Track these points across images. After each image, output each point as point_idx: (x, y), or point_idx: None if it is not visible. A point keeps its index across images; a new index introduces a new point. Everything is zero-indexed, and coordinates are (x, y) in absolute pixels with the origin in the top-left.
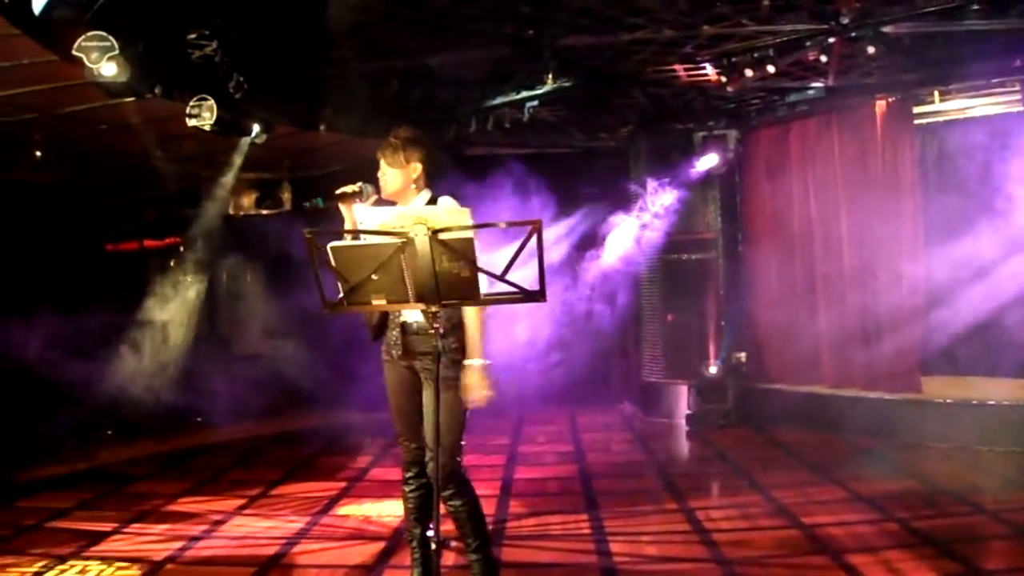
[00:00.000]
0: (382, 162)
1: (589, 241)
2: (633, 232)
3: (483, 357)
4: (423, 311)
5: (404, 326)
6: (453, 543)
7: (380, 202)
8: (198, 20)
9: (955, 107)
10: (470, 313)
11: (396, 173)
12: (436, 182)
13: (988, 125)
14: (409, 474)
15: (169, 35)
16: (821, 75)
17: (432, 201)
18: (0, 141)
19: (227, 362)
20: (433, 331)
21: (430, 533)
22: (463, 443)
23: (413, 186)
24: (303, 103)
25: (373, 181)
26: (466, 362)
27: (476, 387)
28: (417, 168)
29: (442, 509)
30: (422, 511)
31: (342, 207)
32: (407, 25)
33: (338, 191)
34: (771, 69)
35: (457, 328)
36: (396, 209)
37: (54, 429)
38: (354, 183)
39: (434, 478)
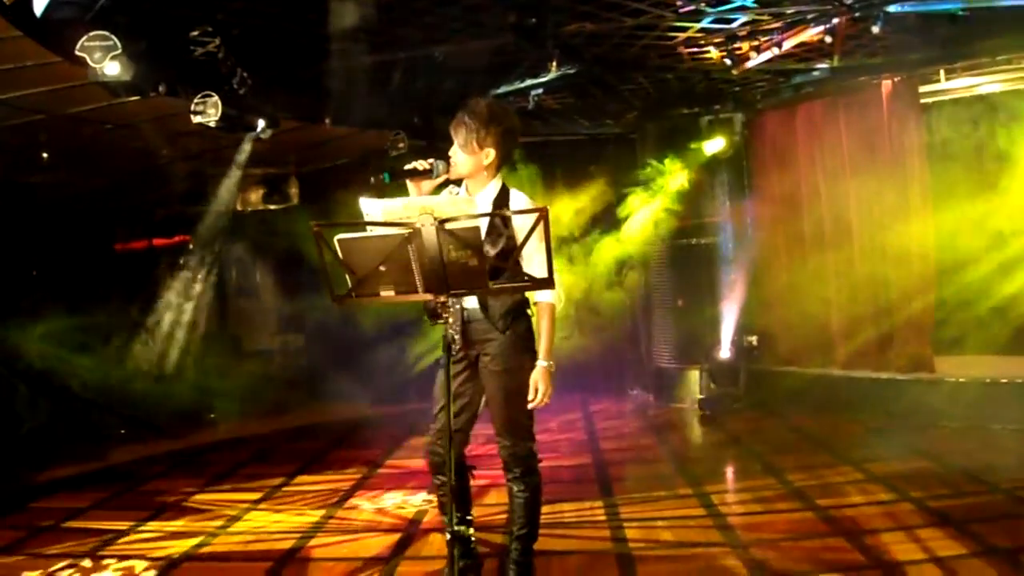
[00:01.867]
0: (455, 141)
1: (596, 228)
2: (641, 218)
3: (550, 358)
4: (479, 301)
5: (463, 314)
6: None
7: (450, 181)
8: (200, 17)
9: (961, 85)
10: (545, 312)
11: (467, 159)
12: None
13: (995, 103)
14: (438, 480)
15: (172, 33)
16: (826, 56)
17: (504, 192)
18: (6, 144)
19: (238, 358)
20: (449, 323)
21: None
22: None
23: (485, 173)
24: (308, 97)
25: (445, 159)
26: (539, 362)
27: (542, 387)
28: (490, 155)
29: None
30: (458, 503)
31: (410, 184)
32: (410, 15)
33: (408, 167)
34: (776, 51)
35: (517, 315)
36: (403, 200)
37: (67, 429)
38: (427, 159)
39: (451, 462)
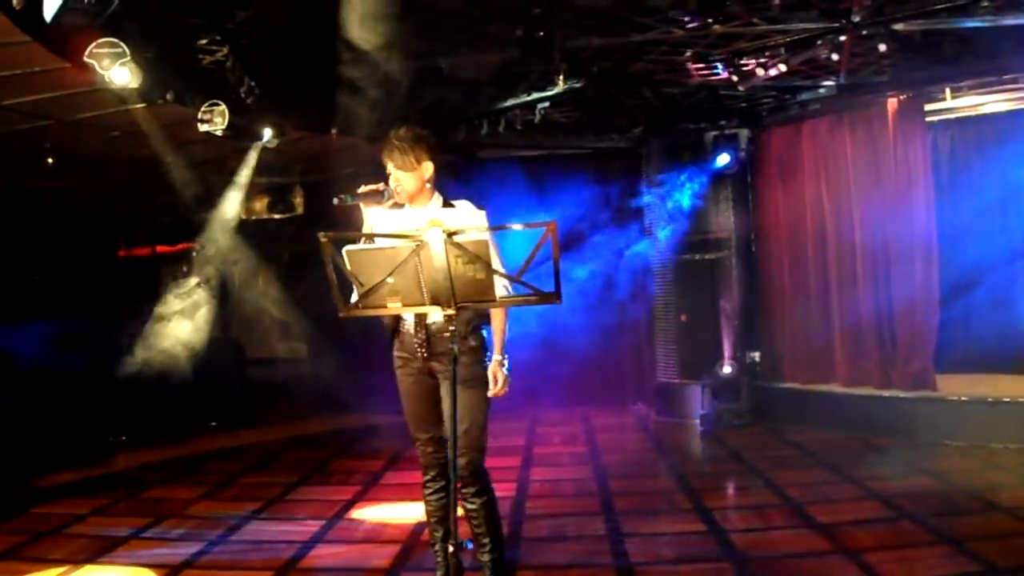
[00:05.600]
0: (390, 166)
1: (601, 242)
2: (645, 233)
3: (502, 353)
4: (445, 313)
5: (428, 327)
6: (471, 545)
7: (396, 206)
8: (209, 26)
9: (967, 104)
10: (496, 313)
11: (409, 176)
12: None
13: (1000, 122)
14: (428, 477)
15: (180, 41)
16: (832, 73)
17: (447, 204)
18: (12, 148)
19: (241, 366)
20: (449, 333)
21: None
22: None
23: (428, 186)
24: (315, 107)
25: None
26: (494, 356)
27: (500, 377)
28: (429, 168)
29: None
30: (443, 514)
31: (362, 206)
32: (418, 28)
33: (360, 190)
34: (782, 68)
35: (478, 328)
36: (411, 212)
37: (68, 435)
38: (376, 183)
39: (453, 478)
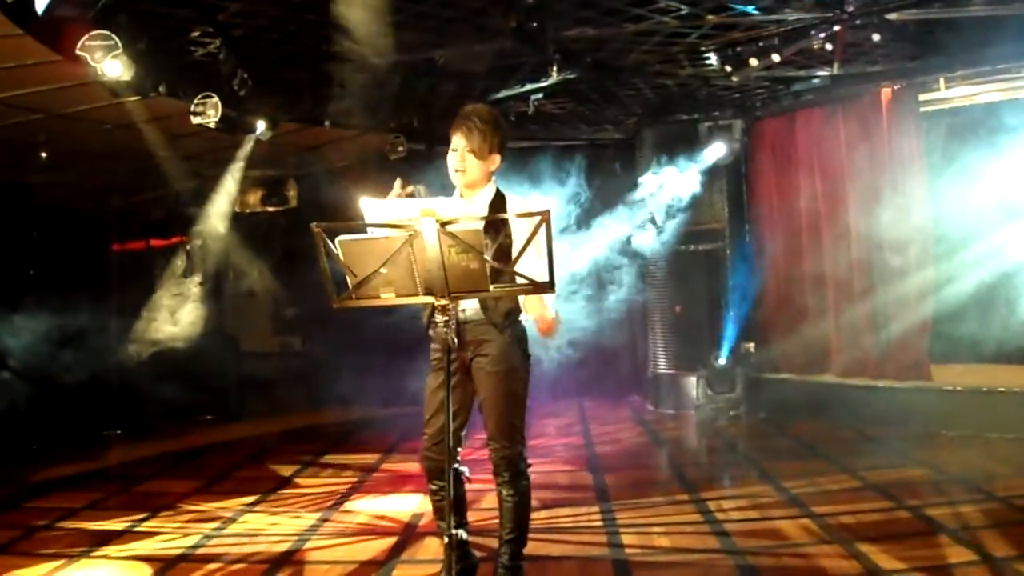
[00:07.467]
0: (463, 145)
1: (596, 233)
2: (640, 224)
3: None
4: (480, 303)
5: (459, 316)
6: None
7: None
8: (201, 18)
9: (961, 94)
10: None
11: (478, 164)
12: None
13: (994, 112)
14: (433, 486)
15: (172, 33)
16: (826, 64)
17: (499, 196)
18: (5, 143)
19: (236, 359)
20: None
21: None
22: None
23: (491, 177)
24: (308, 99)
25: (422, 181)
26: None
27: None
28: (496, 160)
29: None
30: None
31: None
32: (411, 19)
33: (391, 196)
34: (776, 58)
35: (515, 317)
36: (403, 201)
37: (62, 430)
38: (404, 187)
39: (449, 467)
